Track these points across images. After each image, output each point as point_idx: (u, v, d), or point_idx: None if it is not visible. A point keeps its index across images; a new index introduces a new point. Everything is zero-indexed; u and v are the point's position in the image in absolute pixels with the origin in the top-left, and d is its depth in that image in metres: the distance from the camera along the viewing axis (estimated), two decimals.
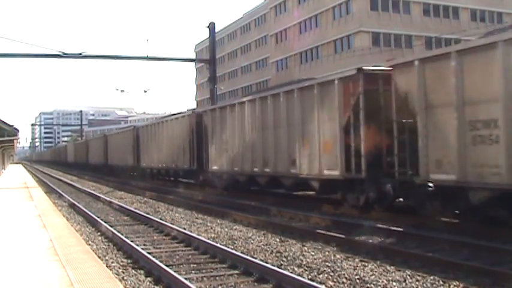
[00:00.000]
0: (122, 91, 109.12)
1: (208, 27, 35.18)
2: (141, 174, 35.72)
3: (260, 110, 18.85)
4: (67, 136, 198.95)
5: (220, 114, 22.14)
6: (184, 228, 12.89)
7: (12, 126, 26.79)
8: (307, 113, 16.08)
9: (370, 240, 10.67)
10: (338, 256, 9.37)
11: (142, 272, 8.61)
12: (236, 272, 8.36)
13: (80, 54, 32.00)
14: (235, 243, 11.10)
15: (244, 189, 21.06)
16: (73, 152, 73.37)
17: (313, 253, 9.73)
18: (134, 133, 36.87)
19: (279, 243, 10.87)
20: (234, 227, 13.40)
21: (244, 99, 20.51)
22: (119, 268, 8.89)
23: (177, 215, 16.56)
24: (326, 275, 8.05)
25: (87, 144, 59.93)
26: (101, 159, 49.23)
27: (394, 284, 7.47)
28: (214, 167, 22.64)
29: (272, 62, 72.24)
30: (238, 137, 20.45)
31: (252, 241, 11.25)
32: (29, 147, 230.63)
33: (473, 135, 10.59)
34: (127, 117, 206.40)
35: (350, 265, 8.68)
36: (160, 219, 14.91)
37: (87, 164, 58.02)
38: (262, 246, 10.65)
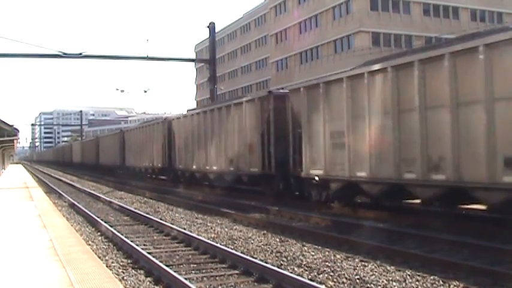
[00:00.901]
0: (122, 91, 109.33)
1: (208, 27, 35.21)
2: (173, 179, 28.68)
3: (418, 79, 11.70)
4: (67, 136, 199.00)
5: (329, 91, 14.73)
6: (184, 228, 12.90)
7: (12, 126, 26.77)
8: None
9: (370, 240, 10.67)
10: (338, 256, 9.37)
11: (142, 272, 8.60)
12: (236, 272, 8.36)
13: (80, 54, 32.01)
14: (235, 243, 11.10)
15: (378, 207, 14.41)
16: (80, 152, 64.99)
17: (313, 253, 9.73)
18: (165, 127, 29.41)
19: (279, 243, 10.87)
20: (234, 227, 13.41)
21: (380, 66, 13.12)
22: (119, 268, 8.88)
23: (177, 215, 16.57)
24: (326, 275, 8.05)
25: (98, 142, 51.49)
26: (115, 159, 41.71)
27: (394, 284, 7.47)
28: (314, 171, 15.40)
29: (272, 62, 72.25)
30: (370, 125, 13.16)
31: (252, 241, 11.25)
32: (29, 147, 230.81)
33: None
34: (127, 117, 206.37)
35: (350, 265, 8.68)
36: (160, 219, 14.91)
37: (97, 165, 50.43)
38: (262, 246, 10.65)
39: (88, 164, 56.48)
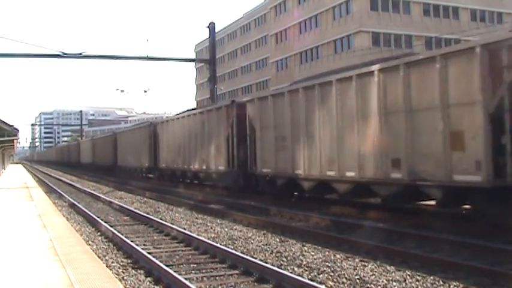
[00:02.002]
0: (122, 91, 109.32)
1: (208, 27, 35.21)
2: (246, 188, 19.92)
3: None
4: (67, 136, 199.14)
5: None
6: (184, 228, 12.89)
7: (12, 126, 26.76)
8: None
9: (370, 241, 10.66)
10: (338, 256, 9.36)
11: (142, 272, 8.60)
12: (236, 272, 8.36)
13: (80, 54, 32.00)
14: (235, 243, 11.10)
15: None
16: (90, 151, 55.54)
17: (313, 253, 9.73)
18: (232, 114, 20.91)
19: (279, 243, 10.86)
20: (234, 227, 13.40)
21: None
22: (119, 268, 8.89)
23: (177, 215, 16.56)
24: (326, 275, 8.05)
25: (115, 139, 42.83)
26: (143, 160, 33.47)
27: (394, 284, 7.47)
28: None
29: (272, 62, 72.26)
30: None
31: (252, 241, 11.25)
32: (29, 147, 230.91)
33: None
34: (127, 117, 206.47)
35: (350, 265, 8.68)
36: (160, 219, 14.91)
37: (114, 166, 42.45)
38: (262, 246, 10.64)
39: (102, 165, 48.08)
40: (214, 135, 22.52)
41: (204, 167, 23.57)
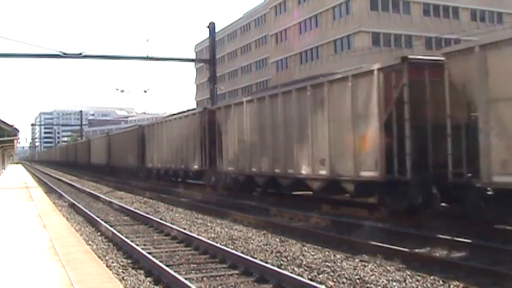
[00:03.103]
0: (122, 91, 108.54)
1: (208, 27, 35.22)
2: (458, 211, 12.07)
3: None
4: (67, 136, 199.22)
5: None
6: (184, 228, 12.89)
7: (12, 126, 26.79)
8: None
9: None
10: (338, 256, 9.37)
11: (142, 272, 8.60)
12: (236, 272, 8.36)
13: (80, 54, 32.01)
14: (235, 243, 11.10)
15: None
16: (104, 149, 46.98)
17: (313, 253, 9.73)
18: (387, 80, 12.69)
19: (279, 243, 10.87)
20: (234, 227, 13.40)
21: None
22: (119, 268, 8.89)
23: (177, 215, 16.57)
24: (326, 275, 8.05)
25: (142, 134, 34.56)
26: (186, 161, 26.01)
27: (394, 284, 7.47)
28: None
29: (272, 62, 72.32)
30: None
31: (252, 241, 11.25)
32: (29, 147, 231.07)
33: None
34: (127, 117, 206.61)
35: (350, 265, 8.68)
36: (160, 219, 14.91)
37: (140, 168, 34.80)
38: (262, 246, 10.65)
39: (121, 166, 40.75)
40: (344, 120, 14.19)
41: (325, 172, 15.00)
